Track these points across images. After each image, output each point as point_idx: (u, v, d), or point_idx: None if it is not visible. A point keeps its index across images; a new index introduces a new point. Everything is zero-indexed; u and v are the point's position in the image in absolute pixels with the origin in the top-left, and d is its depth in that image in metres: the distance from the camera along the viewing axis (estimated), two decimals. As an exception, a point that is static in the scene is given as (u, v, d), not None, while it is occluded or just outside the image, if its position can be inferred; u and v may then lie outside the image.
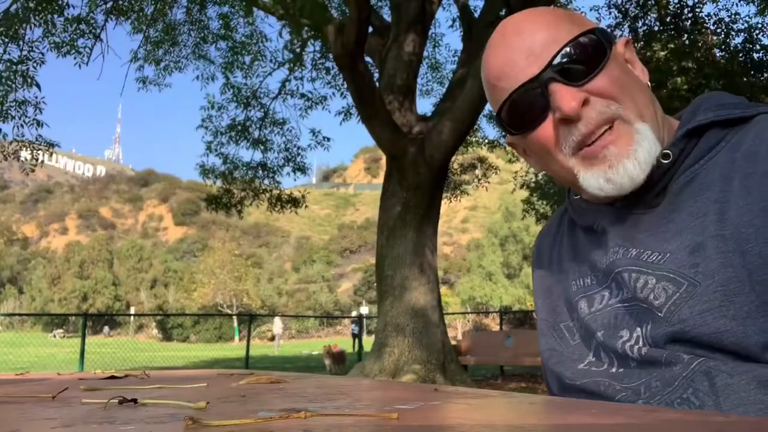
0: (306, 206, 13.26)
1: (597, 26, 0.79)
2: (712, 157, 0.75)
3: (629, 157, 0.73)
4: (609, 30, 0.95)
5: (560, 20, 0.78)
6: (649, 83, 0.81)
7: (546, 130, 0.77)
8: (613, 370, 0.74)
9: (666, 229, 0.74)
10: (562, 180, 0.82)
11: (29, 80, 9.79)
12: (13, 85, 9.83)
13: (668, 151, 0.76)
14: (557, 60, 0.74)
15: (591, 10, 12.25)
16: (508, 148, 15.06)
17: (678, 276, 0.69)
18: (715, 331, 0.65)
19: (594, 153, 0.75)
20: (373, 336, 9.77)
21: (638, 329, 0.73)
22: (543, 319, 0.89)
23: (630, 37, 0.80)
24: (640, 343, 0.72)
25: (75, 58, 10.16)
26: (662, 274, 0.71)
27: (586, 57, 0.75)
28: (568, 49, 0.74)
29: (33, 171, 10.52)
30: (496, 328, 27.73)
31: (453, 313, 41.15)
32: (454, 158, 11.91)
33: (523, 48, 0.76)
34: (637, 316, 0.73)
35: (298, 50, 12.92)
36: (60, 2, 9.41)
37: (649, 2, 9.11)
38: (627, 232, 0.78)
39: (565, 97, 0.73)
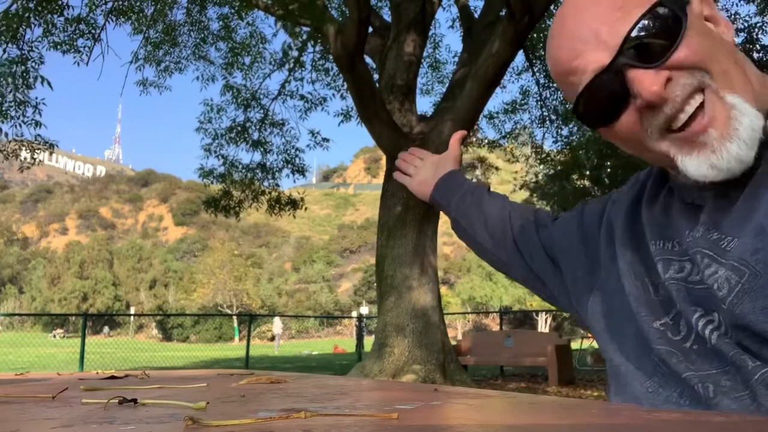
0: (306, 209, 13.25)
1: None
2: None
3: (732, 138, 0.66)
4: None
5: None
6: (734, 39, 0.74)
7: (629, 119, 0.70)
8: (688, 345, 0.69)
9: (749, 207, 0.67)
10: (658, 165, 0.76)
11: (28, 81, 9.78)
12: (13, 85, 9.83)
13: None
14: (628, 42, 0.67)
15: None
16: (508, 149, 15.21)
17: (741, 264, 0.64)
18: None
19: (692, 137, 0.68)
20: (373, 336, 9.77)
21: (714, 313, 0.67)
22: (629, 262, 0.79)
23: None
24: (712, 325, 0.67)
25: (74, 58, 10.17)
26: (730, 263, 0.65)
27: (661, 31, 0.67)
28: (638, 28, 0.67)
29: (29, 168, 10.54)
30: (496, 328, 27.72)
31: (453, 313, 41.17)
32: (454, 158, 11.89)
33: (587, 35, 0.69)
34: (709, 300, 0.68)
35: (296, 52, 12.93)
36: (60, 2, 9.41)
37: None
38: (718, 212, 0.71)
39: (645, 81, 0.66)
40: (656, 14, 0.68)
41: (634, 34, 0.67)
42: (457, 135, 1.20)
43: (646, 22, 0.67)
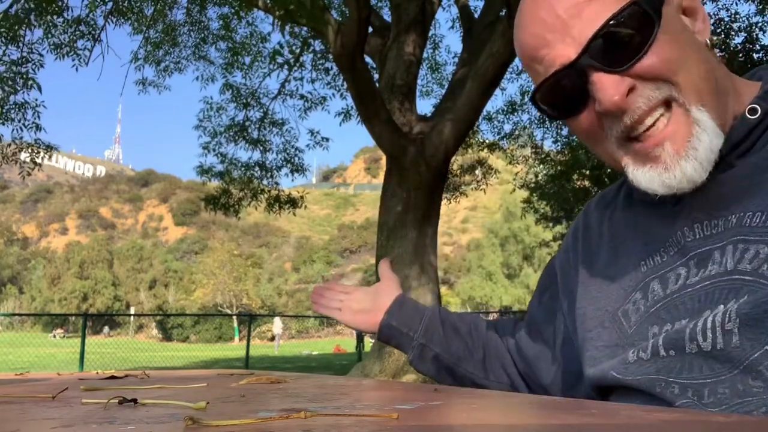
0: (305, 207, 13.25)
1: None
2: None
3: (687, 157, 0.63)
4: None
5: None
6: (708, 39, 0.70)
7: (587, 118, 0.68)
8: (663, 353, 0.65)
9: (765, 179, 0.63)
10: (606, 164, 0.73)
11: (30, 83, 9.76)
12: (13, 87, 9.80)
13: (755, 106, 0.67)
14: (596, 42, 0.64)
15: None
16: (508, 150, 15.18)
17: None
18: None
19: (646, 150, 0.65)
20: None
21: (721, 306, 0.61)
22: (602, 309, 0.75)
23: None
24: (720, 319, 0.60)
25: (74, 60, 10.15)
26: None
27: (631, 33, 0.64)
28: (608, 26, 0.64)
29: (29, 174, 10.52)
30: (496, 328, 27.67)
31: (453, 313, 41.03)
32: (453, 159, 11.91)
33: (557, 25, 0.66)
34: (730, 292, 0.62)
35: (288, 54, 12.93)
36: (60, 3, 9.40)
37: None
38: (714, 199, 0.67)
39: (607, 88, 0.64)
40: (629, 13, 0.64)
41: (603, 32, 0.64)
42: (386, 261, 1.12)
43: (617, 21, 0.64)
